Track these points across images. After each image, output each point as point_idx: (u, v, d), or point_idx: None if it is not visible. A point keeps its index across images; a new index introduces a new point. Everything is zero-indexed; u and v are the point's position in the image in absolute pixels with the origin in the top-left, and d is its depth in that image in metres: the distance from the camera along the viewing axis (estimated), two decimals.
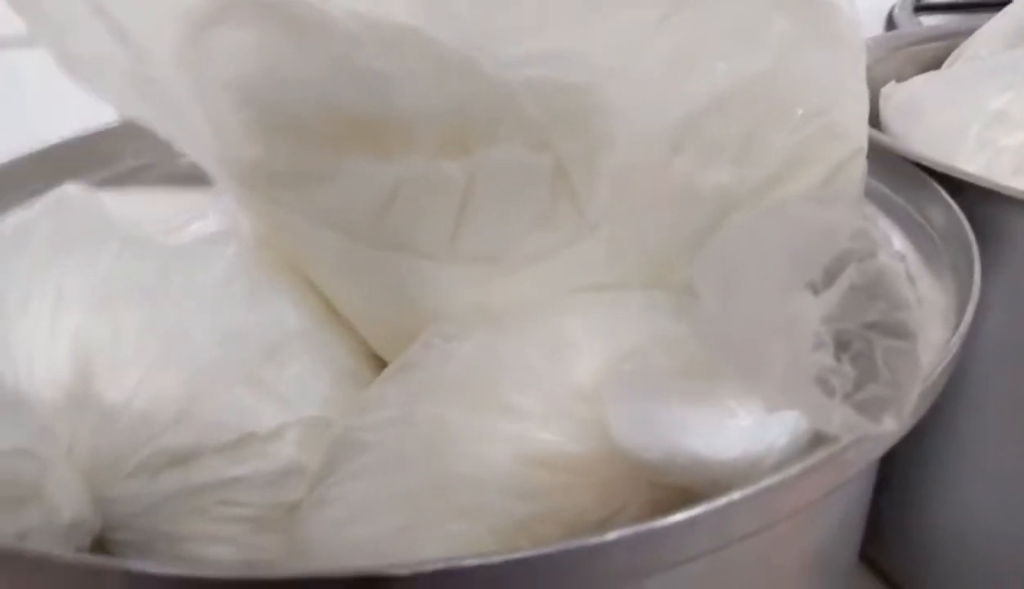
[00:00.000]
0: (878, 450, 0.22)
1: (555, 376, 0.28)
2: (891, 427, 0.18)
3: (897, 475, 0.44)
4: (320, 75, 0.28)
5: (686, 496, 0.24)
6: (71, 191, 0.35)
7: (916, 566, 0.46)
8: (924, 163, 0.37)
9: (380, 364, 0.34)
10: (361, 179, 0.30)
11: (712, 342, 0.21)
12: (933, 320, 0.31)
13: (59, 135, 0.47)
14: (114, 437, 0.30)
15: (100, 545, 0.31)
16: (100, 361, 0.31)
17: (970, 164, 0.38)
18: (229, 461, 0.31)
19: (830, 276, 0.21)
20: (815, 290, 0.21)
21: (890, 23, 0.68)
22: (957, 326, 0.30)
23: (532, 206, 0.30)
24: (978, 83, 0.40)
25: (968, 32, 0.55)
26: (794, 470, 0.20)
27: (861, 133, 0.33)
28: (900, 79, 0.48)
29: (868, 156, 0.35)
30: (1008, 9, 0.52)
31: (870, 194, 0.39)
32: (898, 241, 0.37)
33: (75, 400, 0.31)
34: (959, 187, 0.36)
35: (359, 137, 0.29)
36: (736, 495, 0.20)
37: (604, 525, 0.25)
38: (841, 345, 0.20)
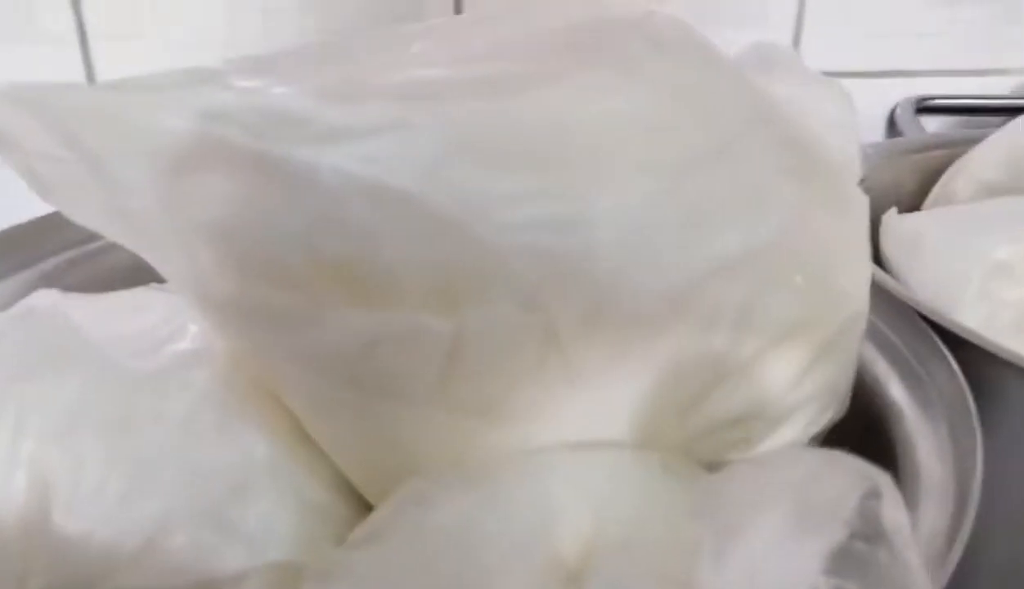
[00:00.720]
0: None
1: (538, 552, 0.27)
2: None
3: None
4: (301, 225, 0.27)
5: None
6: (39, 303, 0.34)
7: None
8: (926, 314, 0.36)
9: (358, 497, 0.33)
10: (341, 326, 0.28)
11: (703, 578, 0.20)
12: (931, 498, 0.30)
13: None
14: (71, 573, 0.29)
15: None
16: (59, 492, 0.30)
17: (971, 314, 0.37)
18: None
19: (831, 518, 0.19)
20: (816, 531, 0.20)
21: (891, 124, 0.68)
22: (956, 509, 0.29)
23: (521, 362, 0.29)
24: (982, 227, 0.39)
25: (970, 141, 0.54)
26: None
27: (862, 295, 0.32)
28: (899, 187, 0.48)
29: (870, 295, 0.34)
30: (1012, 124, 0.52)
31: (870, 335, 0.38)
32: (896, 389, 0.37)
33: (30, 532, 0.30)
34: (959, 342, 0.35)
35: (340, 286, 0.28)
36: None
37: None
38: None
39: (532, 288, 0.27)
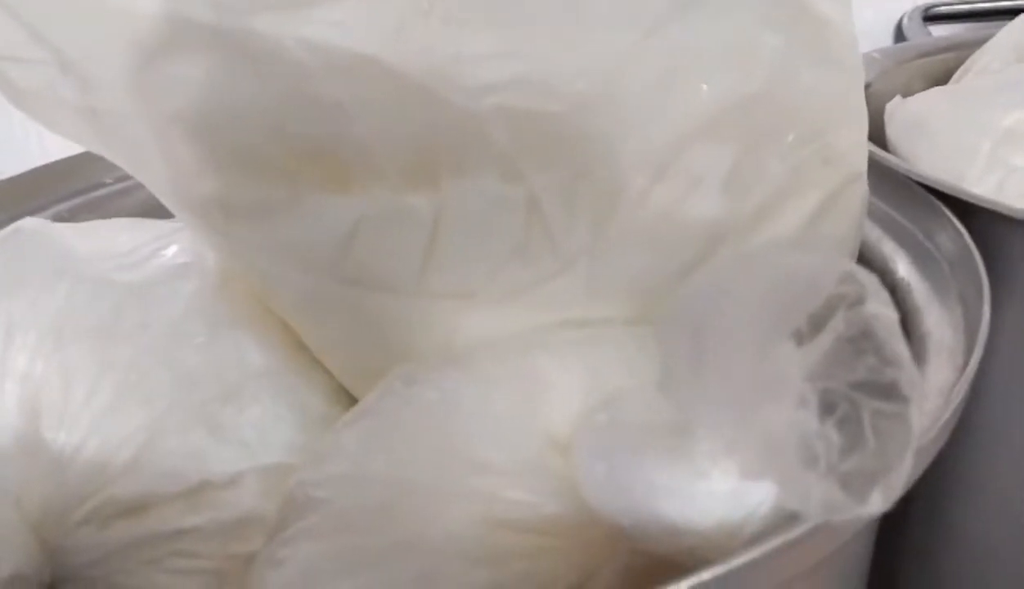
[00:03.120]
0: (869, 521, 0.20)
1: (527, 425, 0.26)
2: (878, 507, 0.16)
3: (909, 516, 0.41)
4: (272, 106, 0.26)
5: (662, 563, 0.22)
6: (27, 226, 0.34)
7: None
8: (931, 184, 0.35)
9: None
10: (321, 213, 0.28)
11: (681, 401, 0.19)
12: (940, 358, 0.29)
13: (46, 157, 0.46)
14: (64, 484, 0.29)
15: None
16: (49, 405, 0.30)
17: (980, 185, 0.36)
18: (184, 510, 0.29)
19: (816, 325, 0.18)
20: (799, 340, 0.19)
21: (899, 33, 0.66)
22: (965, 365, 0.28)
23: (505, 240, 0.28)
24: (987, 100, 0.37)
25: (978, 43, 0.52)
26: (772, 545, 0.18)
27: (859, 158, 0.31)
28: (908, 92, 0.46)
29: (872, 176, 0.33)
30: (1017, 20, 0.50)
31: (874, 216, 0.37)
32: (903, 267, 0.35)
33: (23, 445, 0.30)
34: (969, 210, 0.34)
35: (317, 170, 0.27)
36: (706, 575, 0.18)
37: None
38: (826, 407, 0.18)
39: (510, 156, 0.27)
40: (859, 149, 0.31)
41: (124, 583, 0.29)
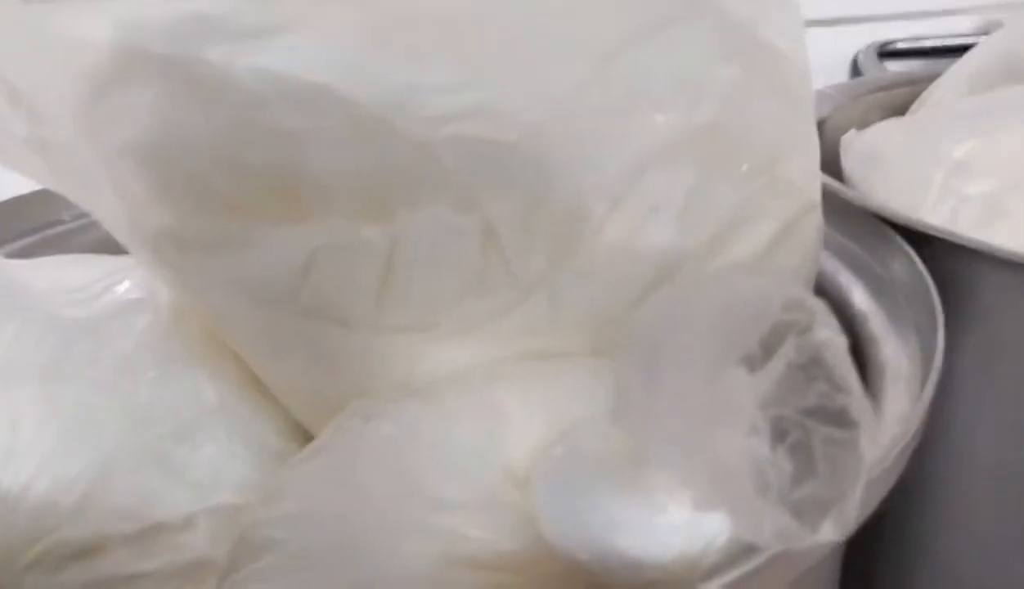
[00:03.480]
0: (826, 550, 0.20)
1: (485, 459, 0.25)
2: (830, 536, 0.16)
3: (883, 536, 0.41)
4: (223, 136, 0.26)
5: None
6: None
7: None
8: (886, 216, 0.35)
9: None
10: (275, 246, 0.27)
11: (635, 431, 0.19)
12: (898, 386, 0.29)
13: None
14: (12, 527, 0.28)
15: None
16: None
17: (933, 215, 0.36)
18: (136, 553, 0.29)
19: (767, 351, 0.18)
20: (751, 366, 0.19)
21: (855, 69, 0.67)
22: (922, 393, 0.28)
23: (462, 271, 0.28)
24: (940, 132, 0.38)
25: (932, 77, 0.54)
26: (729, 577, 0.18)
27: (813, 187, 0.31)
28: (864, 126, 0.47)
29: (829, 207, 0.33)
30: (970, 54, 0.51)
31: (831, 247, 0.37)
32: (860, 297, 0.36)
33: None
34: (923, 240, 0.34)
35: (271, 201, 0.27)
36: None
37: None
38: (778, 433, 0.17)
39: (465, 186, 0.26)
40: (812, 179, 0.31)
41: None
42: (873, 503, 0.22)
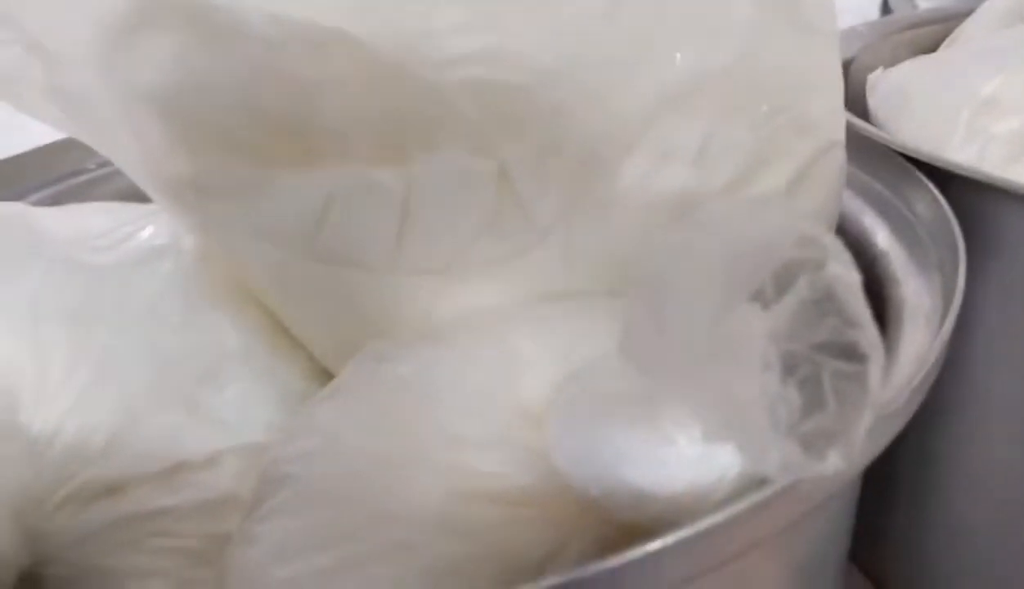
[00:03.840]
0: (835, 484, 0.20)
1: (500, 398, 0.26)
2: (835, 467, 0.16)
3: (897, 485, 0.41)
4: (239, 82, 0.26)
5: (634, 531, 0.22)
6: (3, 211, 0.34)
7: (909, 572, 0.43)
8: (910, 153, 0.35)
9: None
10: (292, 191, 0.28)
11: (646, 366, 0.19)
12: (918, 325, 0.29)
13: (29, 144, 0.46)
14: (41, 468, 0.29)
15: (31, 580, 0.29)
16: (25, 390, 0.30)
17: (960, 154, 0.35)
18: (162, 491, 0.29)
19: (779, 288, 0.18)
20: (764, 303, 0.19)
21: (885, 6, 0.66)
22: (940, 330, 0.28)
23: (477, 213, 0.28)
24: (966, 68, 0.37)
25: (965, 14, 0.52)
26: (739, 507, 0.18)
27: (835, 126, 0.30)
28: (894, 65, 0.46)
29: (853, 147, 0.32)
30: None
31: (855, 187, 0.37)
32: (883, 237, 0.35)
33: (0, 431, 0.29)
34: (947, 178, 0.33)
35: (287, 147, 0.27)
36: (670, 539, 0.18)
37: (545, 563, 0.23)
38: (788, 368, 0.17)
39: (479, 129, 0.26)
40: (835, 117, 0.30)
41: (103, 564, 0.29)
42: (886, 441, 0.22)
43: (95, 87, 0.28)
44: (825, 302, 0.18)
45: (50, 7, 0.27)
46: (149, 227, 0.34)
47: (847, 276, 0.18)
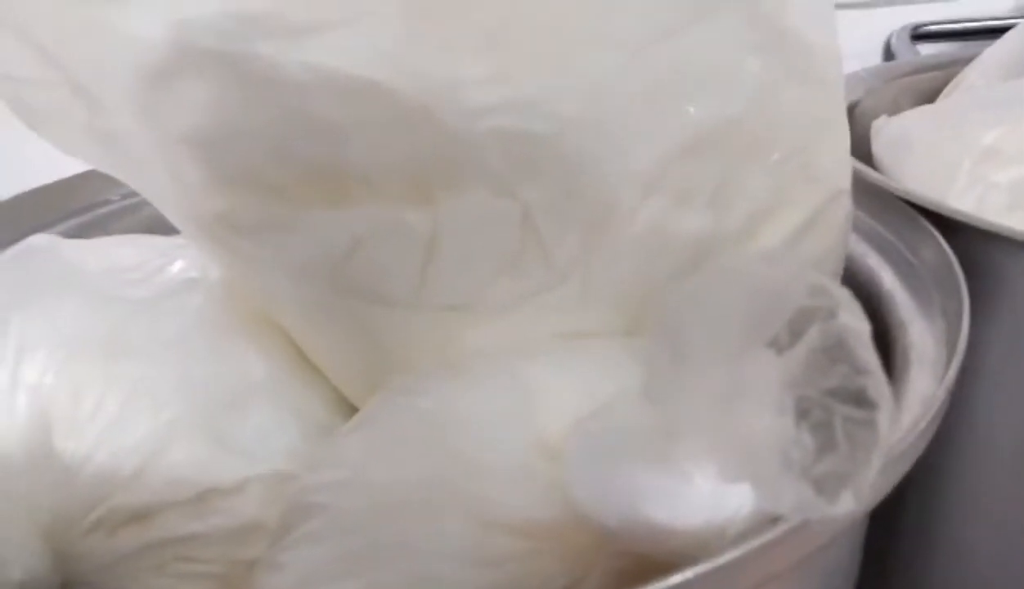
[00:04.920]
0: (845, 523, 0.21)
1: (519, 432, 0.27)
2: (848, 508, 0.17)
3: (902, 517, 0.42)
4: (273, 127, 0.27)
5: (650, 564, 0.23)
6: (36, 243, 0.35)
7: None
8: (915, 201, 0.36)
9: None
10: (321, 230, 0.29)
11: (665, 405, 0.20)
12: (923, 369, 0.30)
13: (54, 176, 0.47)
14: (73, 493, 0.30)
15: None
16: (59, 417, 0.31)
17: (962, 201, 0.37)
18: (189, 517, 0.30)
19: (794, 335, 0.19)
20: (778, 349, 0.20)
21: (887, 52, 0.67)
22: (945, 369, 0.29)
23: (500, 253, 0.29)
24: (969, 117, 0.38)
25: (966, 60, 0.54)
26: (753, 545, 0.19)
27: (843, 174, 0.32)
28: (896, 110, 0.47)
29: (859, 192, 0.34)
30: (1005, 37, 0.51)
31: (860, 231, 0.38)
32: (888, 280, 0.36)
33: (34, 456, 0.30)
34: (951, 226, 0.35)
35: (318, 188, 0.28)
36: (690, 573, 0.19)
37: None
38: (800, 412, 0.19)
39: (503, 174, 0.28)
40: (842, 164, 0.32)
41: (131, 587, 0.30)
42: (894, 481, 0.23)
43: (134, 128, 0.29)
44: (836, 349, 0.19)
45: (93, 53, 0.29)
46: (179, 261, 0.35)
47: (857, 325, 0.19)
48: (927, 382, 0.29)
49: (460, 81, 0.27)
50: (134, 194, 0.41)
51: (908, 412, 0.27)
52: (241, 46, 0.26)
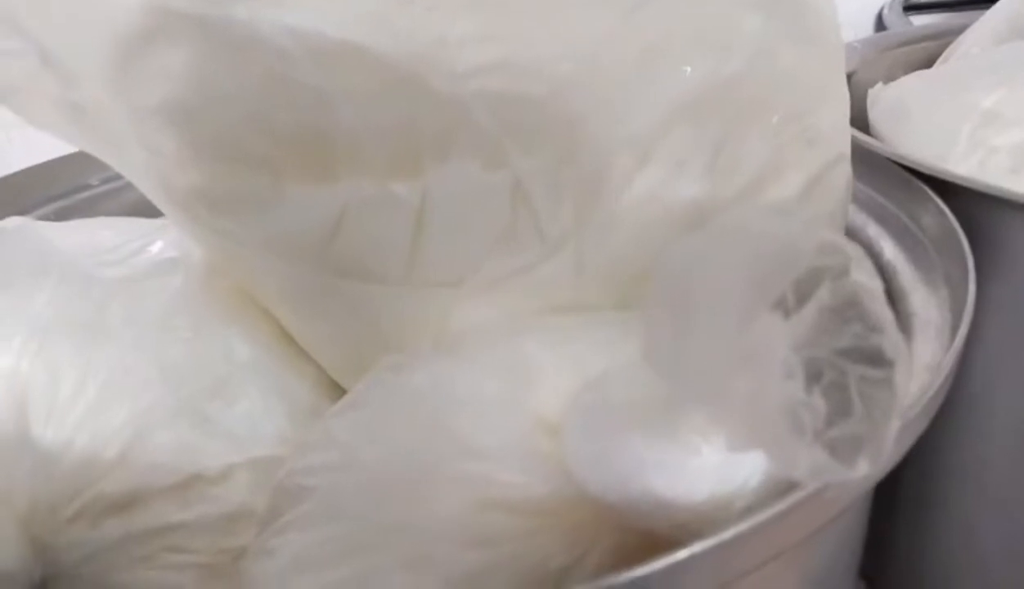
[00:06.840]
0: (860, 489, 0.20)
1: (516, 408, 0.26)
2: (865, 471, 0.16)
3: (899, 492, 0.42)
4: (254, 94, 0.26)
5: (652, 540, 0.22)
6: (10, 225, 0.34)
7: (911, 579, 0.43)
8: (914, 167, 0.35)
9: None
10: (305, 204, 0.28)
11: (668, 373, 0.19)
12: (927, 336, 0.29)
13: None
14: (52, 482, 0.29)
15: None
16: (37, 403, 0.30)
17: (962, 166, 0.36)
18: (175, 505, 0.29)
19: (801, 296, 0.18)
20: (786, 312, 0.19)
21: (880, 24, 0.67)
22: (952, 343, 0.28)
23: (491, 226, 0.28)
24: (967, 82, 0.38)
25: (958, 31, 0.53)
26: (761, 518, 0.18)
27: (842, 138, 0.31)
28: (890, 80, 0.46)
29: (856, 160, 0.33)
30: (998, 5, 0.50)
31: (859, 200, 0.37)
32: (889, 250, 0.36)
33: (11, 443, 0.29)
34: (951, 191, 0.34)
35: (300, 159, 0.27)
36: (697, 548, 0.18)
37: (564, 574, 0.23)
38: (812, 375, 0.18)
39: (494, 140, 0.27)
40: (841, 130, 0.31)
41: (115, 580, 0.29)
42: (909, 444, 0.22)
43: (108, 100, 0.28)
44: (847, 308, 0.18)
45: (63, 23, 0.27)
46: (158, 241, 0.34)
47: (870, 283, 0.18)
48: (932, 350, 0.28)
49: (447, 41, 0.26)
50: (115, 178, 0.40)
51: (916, 378, 0.26)
52: (217, 9, 0.25)
